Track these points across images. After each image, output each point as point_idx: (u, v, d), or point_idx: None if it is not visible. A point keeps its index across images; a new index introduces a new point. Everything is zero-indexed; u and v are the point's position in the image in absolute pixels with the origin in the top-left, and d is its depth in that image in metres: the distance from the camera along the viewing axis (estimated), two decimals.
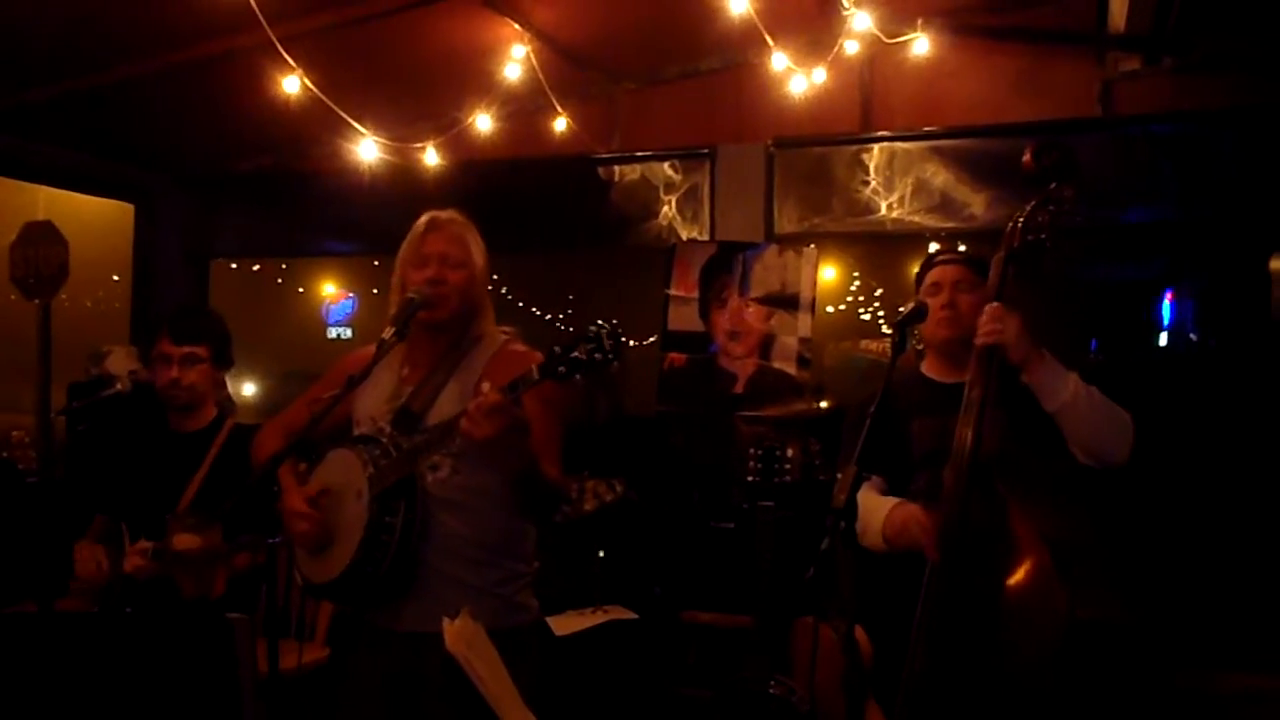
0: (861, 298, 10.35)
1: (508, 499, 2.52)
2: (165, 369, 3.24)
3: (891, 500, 2.70)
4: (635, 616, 4.43)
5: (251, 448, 2.81)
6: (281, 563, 2.83)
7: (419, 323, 2.53)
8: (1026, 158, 2.61)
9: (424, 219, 2.63)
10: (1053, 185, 2.59)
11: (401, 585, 2.47)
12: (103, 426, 3.43)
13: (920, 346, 2.95)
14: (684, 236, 5.04)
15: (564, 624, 4.24)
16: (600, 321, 2.14)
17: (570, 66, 4.88)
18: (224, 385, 5.79)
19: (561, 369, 2.14)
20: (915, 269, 2.97)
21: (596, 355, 2.12)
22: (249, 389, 10.34)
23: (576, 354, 2.13)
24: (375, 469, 2.43)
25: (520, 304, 10.36)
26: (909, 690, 2.40)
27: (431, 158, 4.66)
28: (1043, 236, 2.57)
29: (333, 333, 12.11)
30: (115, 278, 7.90)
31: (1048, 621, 2.29)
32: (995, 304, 2.55)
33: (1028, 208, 2.61)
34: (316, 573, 2.54)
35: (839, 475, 2.87)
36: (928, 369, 2.91)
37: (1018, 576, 2.37)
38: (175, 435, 3.29)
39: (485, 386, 2.20)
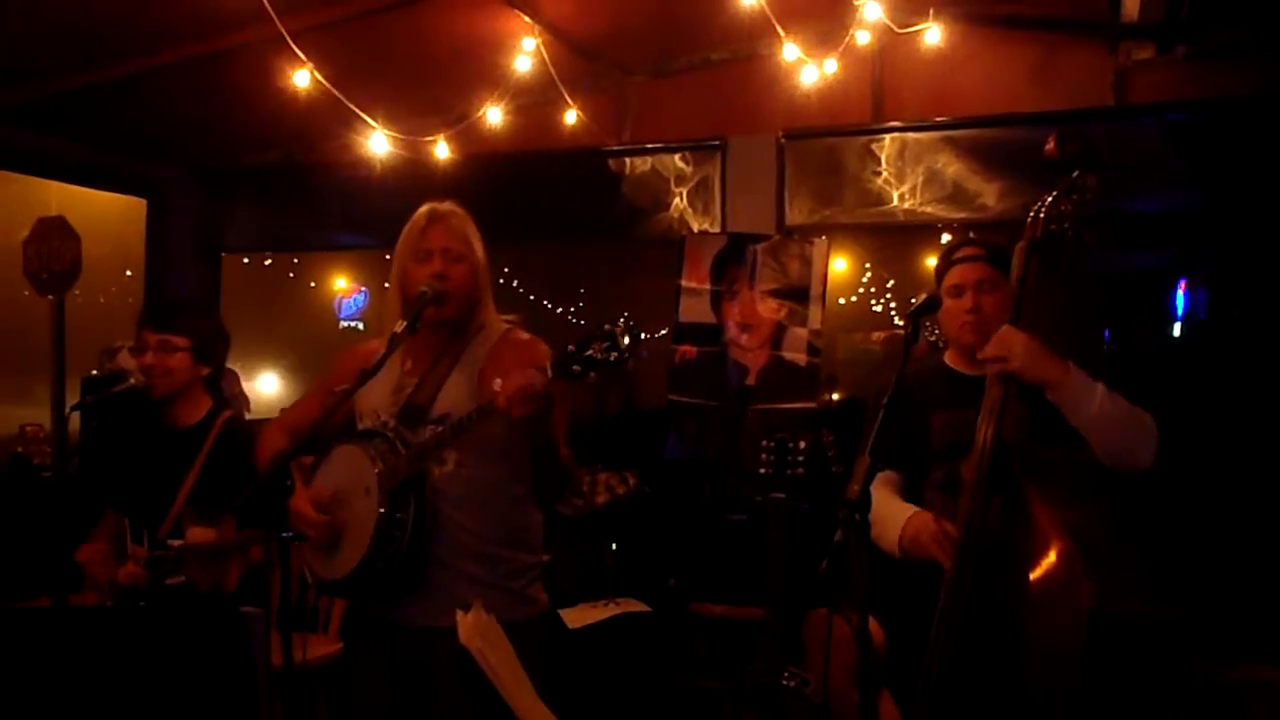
0: (873, 289, 10.32)
1: (514, 492, 2.53)
2: (141, 356, 3.23)
3: (909, 508, 2.66)
4: (648, 609, 4.43)
5: (256, 449, 2.80)
6: (295, 557, 2.83)
7: (424, 317, 2.53)
8: (1050, 146, 2.57)
9: (423, 211, 2.61)
10: (1076, 174, 2.56)
11: (412, 581, 2.48)
12: (115, 422, 3.43)
13: (934, 338, 2.93)
14: (695, 228, 5.03)
15: (576, 616, 4.25)
16: (617, 321, 2.10)
17: (580, 59, 4.88)
18: (237, 381, 5.81)
19: (576, 368, 2.11)
20: (927, 259, 2.95)
21: (612, 355, 2.09)
22: (263, 383, 10.38)
23: (590, 352, 2.10)
24: (384, 465, 2.43)
25: (531, 296, 10.36)
26: (928, 685, 2.39)
27: (442, 151, 4.65)
28: (1065, 226, 2.53)
29: (346, 326, 12.11)
30: (128, 273, 7.93)
31: (1071, 616, 2.26)
32: (1004, 328, 2.49)
33: (1050, 197, 2.57)
34: (326, 569, 2.55)
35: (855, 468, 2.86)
36: (951, 360, 2.86)
37: (1040, 570, 2.34)
38: (169, 431, 3.28)
39: (497, 385, 2.19)
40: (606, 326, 2.11)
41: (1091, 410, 2.45)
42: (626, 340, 2.09)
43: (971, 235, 4.49)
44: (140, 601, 3.07)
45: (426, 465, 2.45)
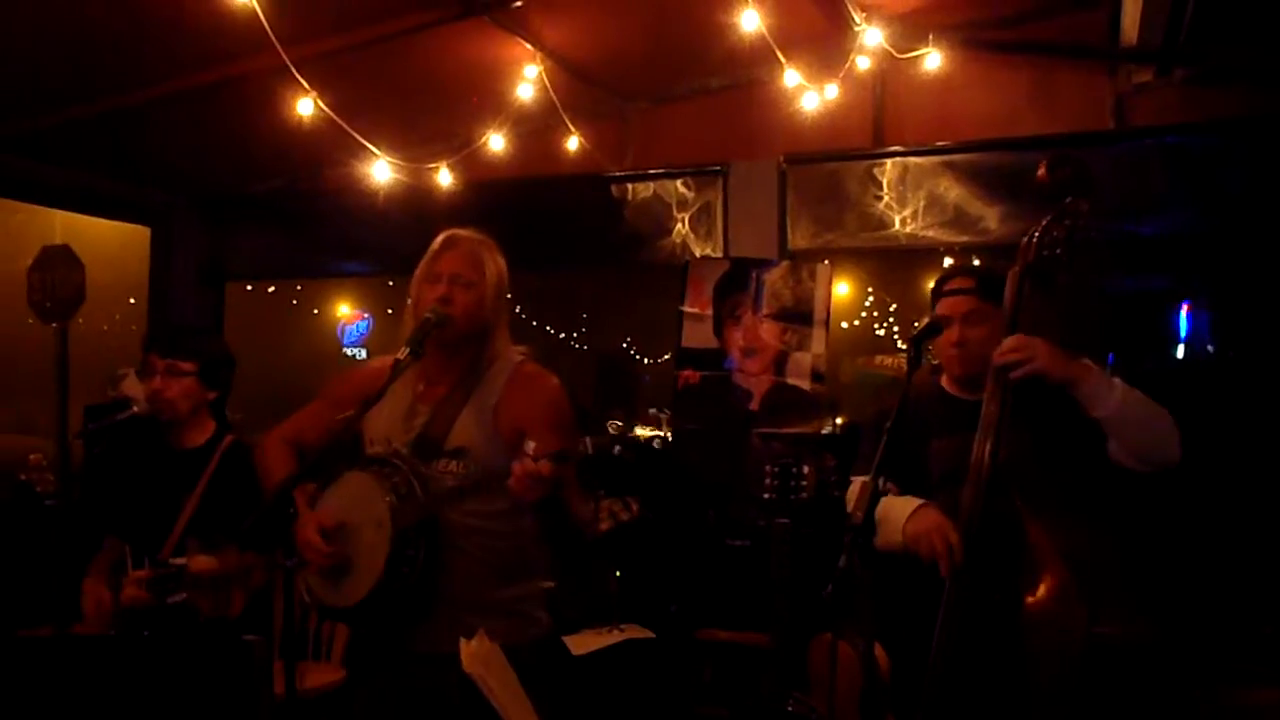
0: (876, 313, 10.34)
1: (520, 523, 2.54)
2: (149, 381, 3.25)
3: (916, 501, 2.67)
4: (652, 635, 4.41)
5: (255, 460, 2.81)
6: (299, 584, 2.83)
7: (432, 341, 2.54)
8: (1041, 172, 2.60)
9: (442, 236, 2.64)
10: (1068, 199, 2.58)
11: (419, 610, 2.48)
12: (118, 449, 3.44)
13: (936, 362, 2.93)
14: (697, 253, 5.03)
15: (581, 643, 4.23)
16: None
17: (582, 85, 4.90)
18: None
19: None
20: (929, 283, 2.95)
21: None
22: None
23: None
24: (396, 499, 2.43)
25: (534, 323, 10.37)
26: (928, 708, 2.39)
27: (445, 178, 4.67)
28: (1058, 251, 2.56)
29: (349, 353, 12.13)
30: (132, 300, 7.95)
31: (1066, 638, 2.27)
32: (1015, 336, 2.51)
33: (1043, 222, 2.59)
34: (333, 597, 2.54)
35: (851, 479, 2.86)
36: (947, 385, 2.88)
37: (1037, 594, 2.35)
38: (173, 453, 3.29)
39: (531, 447, 2.24)
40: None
41: (1113, 403, 2.47)
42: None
43: (972, 263, 4.49)
44: (142, 621, 3.06)
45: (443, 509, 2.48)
